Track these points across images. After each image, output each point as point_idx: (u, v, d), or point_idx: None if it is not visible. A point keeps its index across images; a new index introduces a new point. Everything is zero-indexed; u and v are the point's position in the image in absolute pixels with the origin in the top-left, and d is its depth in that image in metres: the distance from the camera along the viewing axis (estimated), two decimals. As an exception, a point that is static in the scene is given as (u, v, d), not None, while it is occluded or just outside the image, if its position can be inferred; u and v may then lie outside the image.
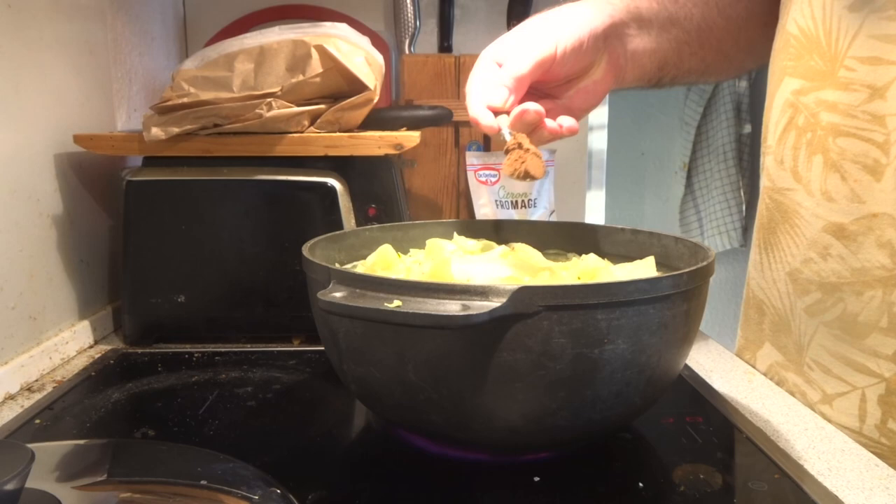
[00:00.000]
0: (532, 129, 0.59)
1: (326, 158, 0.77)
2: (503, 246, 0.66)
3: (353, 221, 0.78)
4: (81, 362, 0.74)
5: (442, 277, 0.54)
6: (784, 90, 0.63)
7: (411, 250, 0.67)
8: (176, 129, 0.74)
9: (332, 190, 0.77)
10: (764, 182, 0.67)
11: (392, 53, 1.13)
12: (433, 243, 0.64)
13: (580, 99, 0.65)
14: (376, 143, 0.76)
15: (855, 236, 0.58)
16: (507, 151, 0.58)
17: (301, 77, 0.75)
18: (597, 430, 0.52)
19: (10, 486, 0.35)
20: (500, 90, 0.58)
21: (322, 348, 0.58)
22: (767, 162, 0.66)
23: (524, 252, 0.64)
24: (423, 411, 0.49)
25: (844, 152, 0.57)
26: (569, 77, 0.64)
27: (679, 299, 0.49)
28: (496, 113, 0.59)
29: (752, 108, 1.81)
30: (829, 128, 0.59)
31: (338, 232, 0.65)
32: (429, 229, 0.69)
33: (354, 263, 0.64)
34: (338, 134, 0.77)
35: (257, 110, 0.74)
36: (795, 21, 0.62)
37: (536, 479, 0.50)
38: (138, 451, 0.51)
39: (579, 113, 0.65)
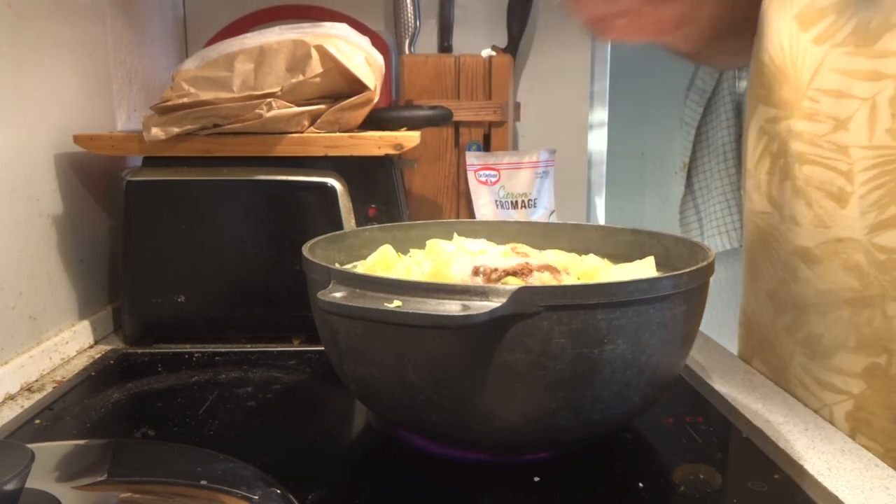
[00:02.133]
0: None
1: (326, 158, 0.77)
2: (503, 246, 0.66)
3: (353, 221, 0.78)
4: (81, 362, 0.74)
5: (442, 277, 0.54)
6: (759, 117, 0.65)
7: (411, 250, 0.67)
8: (176, 129, 0.74)
9: (332, 190, 0.77)
10: (746, 204, 0.69)
11: (392, 53, 1.13)
12: (433, 243, 0.64)
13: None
14: (376, 143, 0.76)
15: (820, 260, 0.59)
16: None
17: (301, 77, 0.75)
18: (597, 430, 0.52)
19: (10, 486, 0.35)
20: None
21: (322, 348, 0.58)
22: (748, 185, 0.68)
23: (524, 252, 0.63)
24: (423, 411, 0.49)
25: (810, 179, 0.59)
26: None
27: (679, 299, 0.49)
28: None
29: (752, 108, 1.81)
30: (797, 156, 0.60)
31: (338, 232, 0.65)
32: (429, 229, 0.69)
33: (354, 263, 0.64)
34: (338, 134, 0.77)
35: (257, 110, 0.74)
36: (767, 51, 0.63)
37: (536, 479, 0.50)
38: (138, 451, 0.51)
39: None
